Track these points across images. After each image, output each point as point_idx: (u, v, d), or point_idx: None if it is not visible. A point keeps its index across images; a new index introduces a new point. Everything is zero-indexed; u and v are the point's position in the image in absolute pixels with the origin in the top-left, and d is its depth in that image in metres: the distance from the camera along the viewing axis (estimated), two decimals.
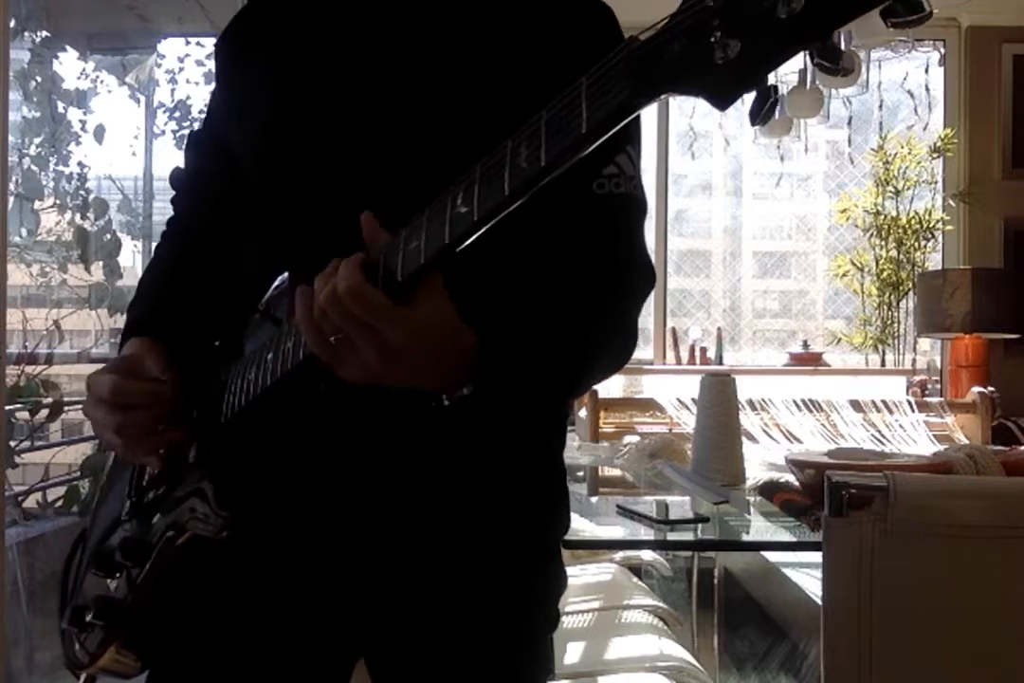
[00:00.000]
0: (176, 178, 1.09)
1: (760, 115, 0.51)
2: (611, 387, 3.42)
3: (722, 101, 0.50)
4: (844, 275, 4.01)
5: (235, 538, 0.84)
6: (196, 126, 3.84)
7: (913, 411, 2.70)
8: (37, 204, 3.19)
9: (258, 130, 0.93)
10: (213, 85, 1.06)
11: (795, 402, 2.67)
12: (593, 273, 0.83)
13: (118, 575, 0.90)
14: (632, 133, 0.85)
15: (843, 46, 3.08)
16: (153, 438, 0.86)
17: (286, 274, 0.81)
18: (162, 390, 0.85)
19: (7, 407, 2.54)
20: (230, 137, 0.97)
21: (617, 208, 0.83)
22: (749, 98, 0.52)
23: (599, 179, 0.81)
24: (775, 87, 0.51)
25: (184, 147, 1.09)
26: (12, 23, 2.33)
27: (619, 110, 0.53)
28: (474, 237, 0.62)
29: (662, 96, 0.52)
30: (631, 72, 0.52)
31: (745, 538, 1.42)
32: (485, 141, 0.80)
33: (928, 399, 2.90)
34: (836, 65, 0.48)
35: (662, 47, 0.51)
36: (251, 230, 0.96)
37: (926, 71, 4.02)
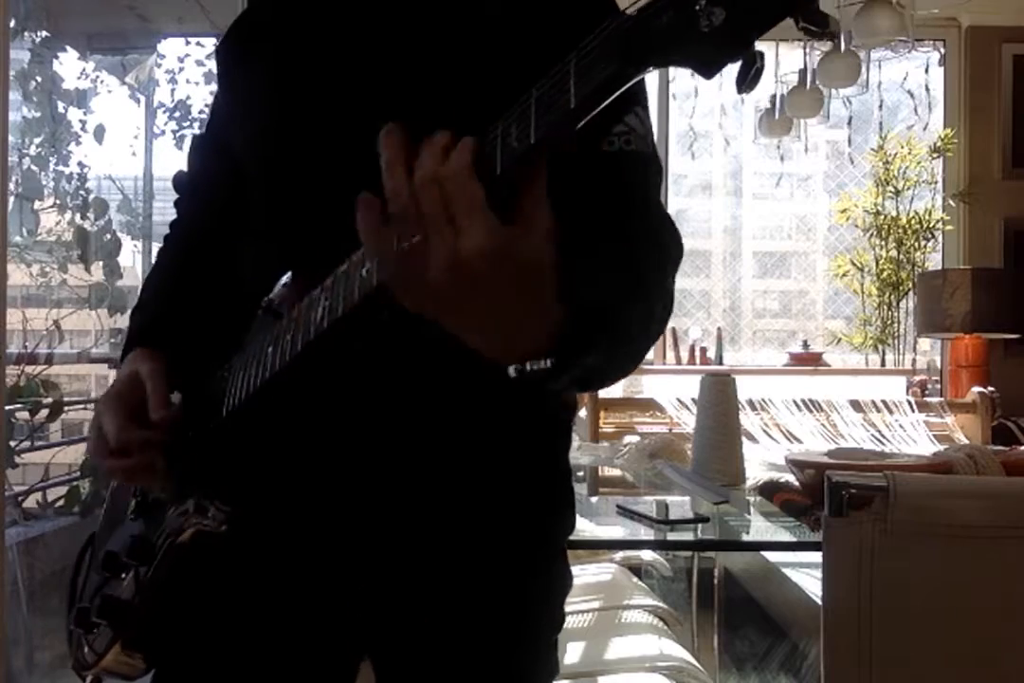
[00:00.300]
0: (179, 181, 1.10)
1: (746, 82, 0.50)
2: (611, 387, 3.41)
3: (708, 69, 0.50)
4: (844, 275, 4.02)
5: (240, 537, 0.84)
6: (196, 126, 3.86)
7: (913, 411, 2.70)
8: (37, 204, 3.19)
9: (259, 132, 0.93)
10: (214, 86, 1.06)
11: (795, 402, 2.67)
12: (615, 232, 0.77)
13: (124, 575, 0.90)
14: (639, 95, 0.84)
15: (843, 45, 3.08)
16: (152, 474, 0.87)
17: (289, 273, 0.81)
18: (156, 437, 0.85)
19: (7, 407, 2.54)
20: (232, 139, 0.97)
21: (629, 164, 0.82)
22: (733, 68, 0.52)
23: (608, 137, 0.80)
24: (761, 53, 0.51)
25: (188, 150, 1.09)
26: (12, 23, 2.33)
27: (606, 83, 0.53)
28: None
29: (651, 68, 0.52)
30: (618, 46, 0.52)
31: (745, 538, 1.42)
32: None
33: (928, 399, 2.91)
34: (823, 28, 0.49)
35: (649, 20, 0.51)
36: (253, 232, 0.96)
37: (926, 71, 4.03)
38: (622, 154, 0.81)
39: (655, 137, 0.87)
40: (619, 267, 0.72)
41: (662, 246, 0.80)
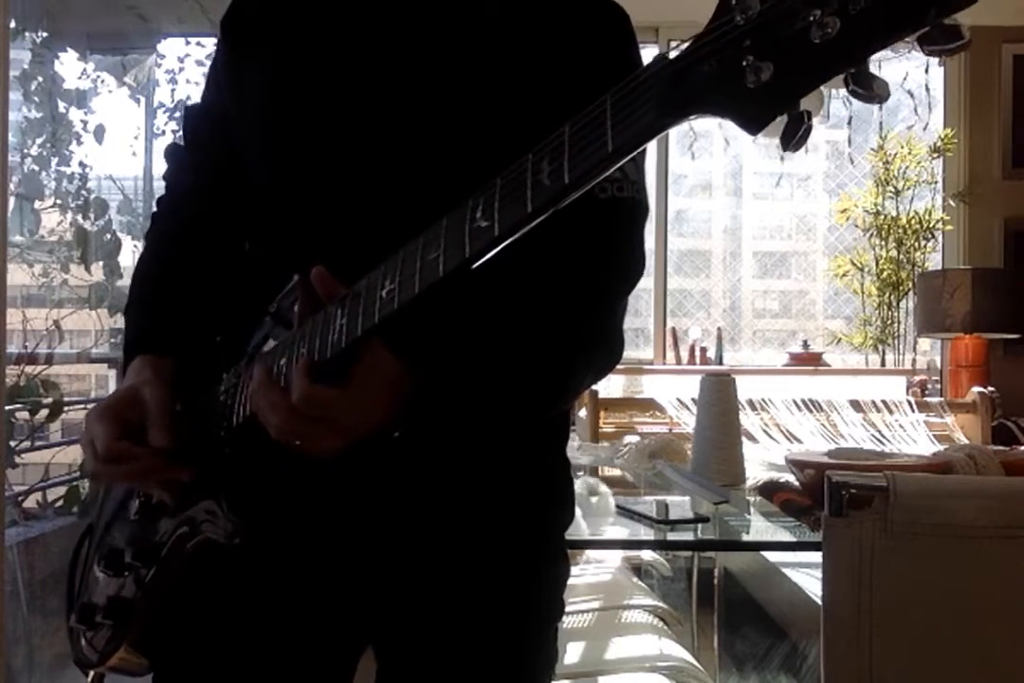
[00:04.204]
0: (172, 154, 1.05)
1: (792, 142, 0.49)
2: (611, 387, 3.42)
3: (753, 125, 0.49)
4: (844, 275, 4.01)
5: (246, 535, 0.84)
6: None
7: (913, 411, 2.70)
8: (38, 204, 3.19)
9: (260, 127, 0.93)
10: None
11: (795, 402, 2.67)
12: (588, 278, 0.84)
13: (126, 574, 0.89)
14: None
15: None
16: (150, 484, 0.86)
17: (297, 277, 0.79)
18: (154, 455, 0.83)
19: (7, 407, 2.53)
20: (233, 128, 0.96)
21: (619, 212, 0.84)
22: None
23: (602, 183, 0.81)
24: (808, 113, 0.50)
25: (182, 121, 1.05)
26: (12, 23, 2.33)
27: (645, 130, 0.52)
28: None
29: (690, 117, 0.51)
30: (659, 92, 0.51)
31: (745, 538, 1.42)
32: (484, 133, 0.80)
33: (928, 399, 2.90)
34: (870, 92, 0.47)
35: (691, 67, 0.50)
36: (254, 225, 0.95)
37: (926, 71, 4.02)
38: (613, 202, 0.83)
39: (645, 164, 0.89)
40: (557, 313, 0.82)
41: (620, 292, 0.88)
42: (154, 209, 1.06)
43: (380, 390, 0.72)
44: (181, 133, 1.06)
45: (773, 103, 0.47)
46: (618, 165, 0.55)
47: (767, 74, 0.46)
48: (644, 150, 0.88)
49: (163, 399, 0.84)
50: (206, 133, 1.00)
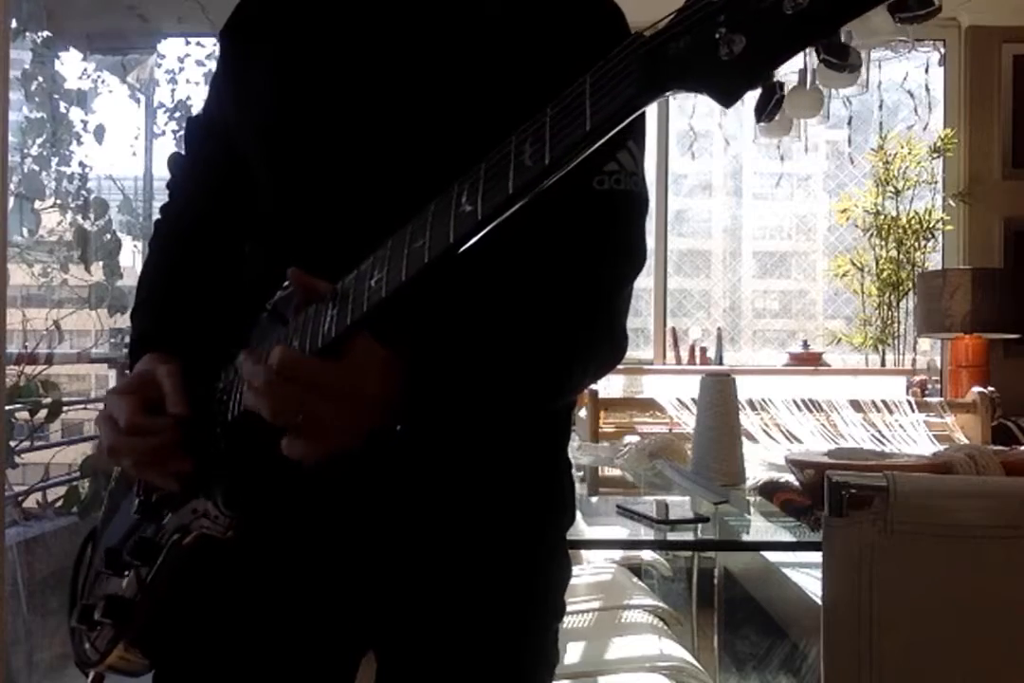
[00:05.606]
0: (175, 163, 1.07)
1: (765, 112, 0.51)
2: (611, 387, 3.42)
3: (727, 98, 0.49)
4: (844, 275, 4.02)
5: (243, 535, 0.84)
6: None
7: (913, 411, 2.70)
8: (38, 204, 3.19)
9: (261, 130, 0.93)
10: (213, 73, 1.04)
11: (795, 402, 2.67)
12: (586, 268, 0.84)
13: (127, 573, 0.90)
14: (635, 129, 0.85)
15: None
16: (164, 465, 0.85)
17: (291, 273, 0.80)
18: (172, 428, 0.83)
19: (7, 407, 2.54)
20: (234, 133, 0.97)
21: (616, 204, 0.84)
22: (753, 95, 0.52)
23: (600, 176, 0.82)
24: (781, 84, 0.52)
25: (184, 131, 1.07)
26: (13, 23, 2.33)
27: (623, 107, 0.53)
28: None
29: (667, 93, 0.52)
30: (636, 69, 0.52)
31: (745, 538, 1.43)
32: (487, 135, 0.80)
33: (928, 399, 2.90)
34: (843, 61, 0.48)
35: (667, 43, 0.50)
36: (255, 226, 0.96)
37: (926, 71, 4.02)
38: (610, 194, 0.83)
39: (645, 164, 0.89)
40: (557, 305, 0.81)
41: (621, 283, 0.87)
42: (156, 216, 1.08)
43: (373, 377, 0.71)
44: (184, 142, 1.07)
45: (746, 75, 0.48)
46: (599, 143, 0.55)
47: (739, 46, 0.47)
48: (643, 144, 0.88)
49: (176, 375, 0.85)
50: (206, 143, 1.01)
